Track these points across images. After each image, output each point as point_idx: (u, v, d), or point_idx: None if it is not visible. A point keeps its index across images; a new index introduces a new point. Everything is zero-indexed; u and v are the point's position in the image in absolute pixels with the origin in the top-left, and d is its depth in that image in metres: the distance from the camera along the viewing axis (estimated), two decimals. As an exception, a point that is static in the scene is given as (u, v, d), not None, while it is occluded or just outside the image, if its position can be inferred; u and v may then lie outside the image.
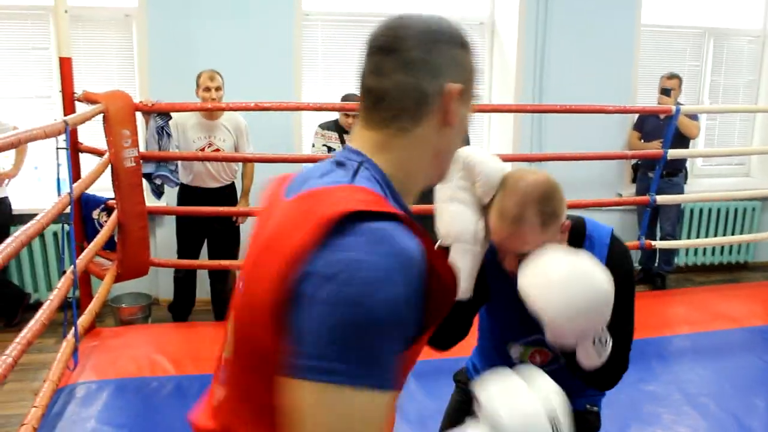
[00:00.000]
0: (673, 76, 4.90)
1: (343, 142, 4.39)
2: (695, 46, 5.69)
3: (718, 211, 5.56)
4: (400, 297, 0.82)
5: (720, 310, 4.25)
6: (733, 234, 5.57)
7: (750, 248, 5.76)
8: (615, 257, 1.64)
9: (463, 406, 1.91)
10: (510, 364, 1.71)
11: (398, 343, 0.85)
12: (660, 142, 4.79)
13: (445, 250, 1.57)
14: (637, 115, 5.24)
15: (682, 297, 4.67)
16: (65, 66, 3.52)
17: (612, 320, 1.47)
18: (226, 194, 4.18)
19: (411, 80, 0.96)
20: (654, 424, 2.97)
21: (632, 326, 1.67)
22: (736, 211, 5.60)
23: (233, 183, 4.22)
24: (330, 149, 4.36)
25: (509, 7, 5.08)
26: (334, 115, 4.47)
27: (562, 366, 1.66)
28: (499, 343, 1.79)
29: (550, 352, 1.71)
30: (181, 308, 4.28)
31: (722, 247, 5.66)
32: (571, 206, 4.26)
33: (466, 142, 2.72)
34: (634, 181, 5.37)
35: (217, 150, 4.05)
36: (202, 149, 4.02)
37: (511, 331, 1.75)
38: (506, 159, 5.22)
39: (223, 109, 3.95)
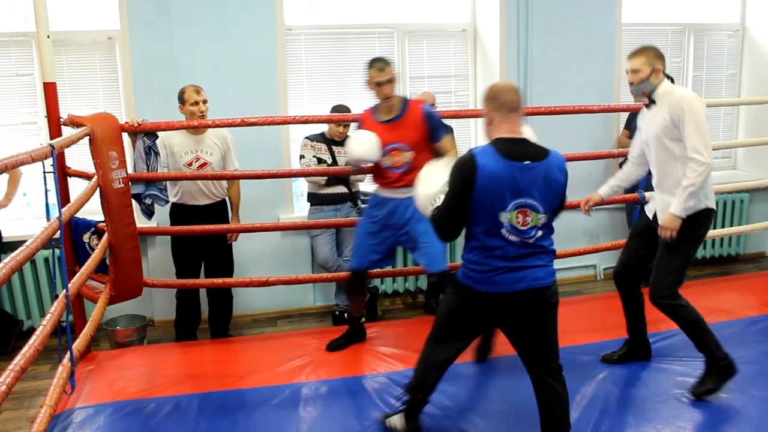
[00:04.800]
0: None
1: (332, 152, 4.40)
2: (676, 43, 5.74)
3: (707, 204, 5.58)
4: None
5: (714, 303, 4.26)
6: (723, 227, 5.60)
7: (741, 240, 5.79)
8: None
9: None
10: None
11: None
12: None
13: None
14: (627, 114, 5.29)
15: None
16: (50, 91, 3.52)
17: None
18: (219, 211, 4.17)
19: None
20: (652, 419, 2.97)
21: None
22: (725, 204, 5.63)
23: (224, 200, 4.21)
24: (320, 160, 4.37)
25: (490, 13, 5.11)
26: (320, 128, 4.49)
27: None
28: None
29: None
30: (185, 326, 4.25)
31: (713, 241, 5.69)
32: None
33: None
34: (622, 179, 5.39)
35: (205, 163, 4.04)
36: (189, 164, 4.01)
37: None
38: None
39: (210, 126, 3.95)
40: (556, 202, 2.52)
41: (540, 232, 2.48)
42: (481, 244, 2.48)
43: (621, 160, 5.40)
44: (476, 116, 5.15)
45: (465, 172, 2.42)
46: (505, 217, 2.42)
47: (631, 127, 5.22)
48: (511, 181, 2.40)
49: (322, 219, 4.37)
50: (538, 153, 2.48)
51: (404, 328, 4.27)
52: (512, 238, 2.44)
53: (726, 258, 5.79)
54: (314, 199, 4.49)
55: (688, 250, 3.21)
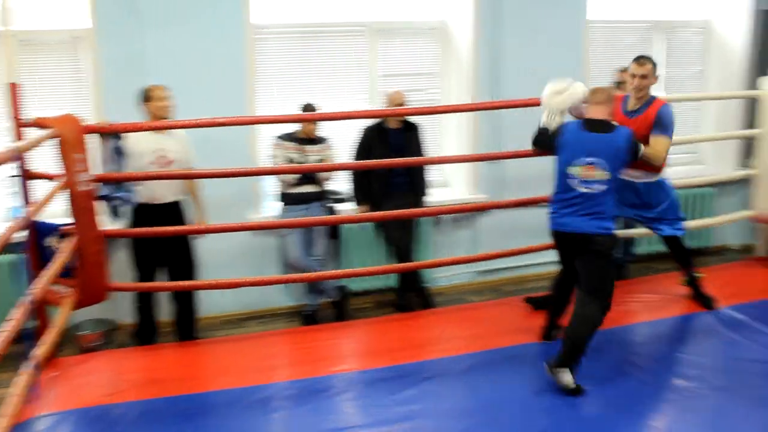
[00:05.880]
0: (625, 70, 4.97)
1: (302, 151, 4.36)
2: (644, 40, 5.79)
3: (675, 199, 5.64)
4: None
5: (682, 295, 4.32)
6: (690, 221, 5.65)
7: (708, 233, 5.87)
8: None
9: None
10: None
11: None
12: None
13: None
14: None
15: (643, 285, 4.72)
16: (14, 92, 3.44)
17: None
18: (178, 210, 4.13)
19: None
20: (633, 411, 3.00)
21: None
22: (694, 198, 5.71)
23: (181, 198, 4.16)
24: (291, 160, 4.33)
25: (462, 11, 5.11)
26: (291, 127, 4.45)
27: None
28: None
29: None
30: (145, 333, 4.19)
31: (681, 235, 5.74)
32: (530, 202, 4.33)
33: None
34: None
35: (171, 161, 3.99)
36: (154, 162, 3.96)
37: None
38: (466, 159, 5.20)
39: (179, 126, 3.89)
40: (617, 165, 3.31)
41: (602, 186, 3.29)
42: (557, 190, 3.42)
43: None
44: (445, 112, 5.21)
45: (559, 129, 3.53)
46: (575, 170, 3.32)
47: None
48: (583, 144, 3.33)
49: (293, 219, 4.33)
50: (608, 128, 3.34)
51: (375, 326, 4.25)
52: (577, 187, 3.31)
53: (693, 251, 5.85)
54: (284, 198, 4.45)
55: None
